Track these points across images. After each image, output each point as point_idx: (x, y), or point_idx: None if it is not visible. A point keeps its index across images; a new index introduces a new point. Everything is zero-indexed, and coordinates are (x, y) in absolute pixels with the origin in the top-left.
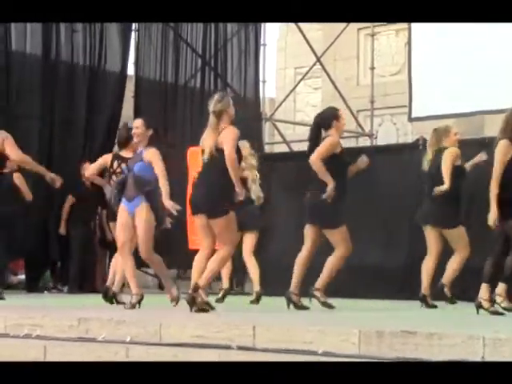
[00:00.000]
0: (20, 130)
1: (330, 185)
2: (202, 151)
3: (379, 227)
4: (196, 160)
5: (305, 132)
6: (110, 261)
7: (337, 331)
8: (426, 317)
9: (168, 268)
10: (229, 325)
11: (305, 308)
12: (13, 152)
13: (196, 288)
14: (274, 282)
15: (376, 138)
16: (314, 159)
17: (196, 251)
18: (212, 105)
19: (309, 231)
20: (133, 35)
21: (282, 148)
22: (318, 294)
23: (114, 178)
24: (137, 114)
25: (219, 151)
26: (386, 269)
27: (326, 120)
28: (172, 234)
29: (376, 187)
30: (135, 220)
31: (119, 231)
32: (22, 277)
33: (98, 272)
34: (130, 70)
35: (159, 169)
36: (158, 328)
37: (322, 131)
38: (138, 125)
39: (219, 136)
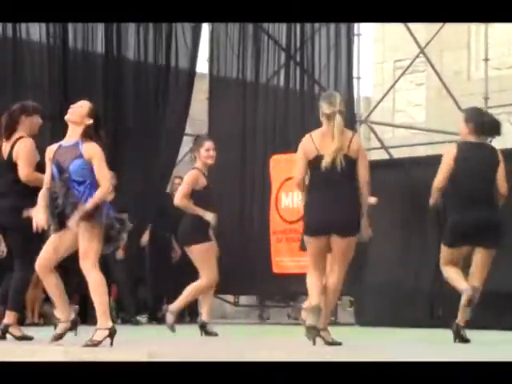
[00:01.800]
0: None
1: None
2: (315, 158)
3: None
4: (281, 170)
5: (406, 136)
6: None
7: None
8: None
9: (249, 294)
10: None
11: None
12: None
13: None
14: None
15: (491, 141)
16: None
17: (280, 275)
18: (338, 103)
19: None
20: (205, 27)
21: (380, 155)
22: None
23: None
24: (211, 117)
25: (348, 159)
26: None
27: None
28: (251, 257)
29: None
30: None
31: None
32: None
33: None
34: (203, 67)
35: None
36: None
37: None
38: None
39: (347, 142)
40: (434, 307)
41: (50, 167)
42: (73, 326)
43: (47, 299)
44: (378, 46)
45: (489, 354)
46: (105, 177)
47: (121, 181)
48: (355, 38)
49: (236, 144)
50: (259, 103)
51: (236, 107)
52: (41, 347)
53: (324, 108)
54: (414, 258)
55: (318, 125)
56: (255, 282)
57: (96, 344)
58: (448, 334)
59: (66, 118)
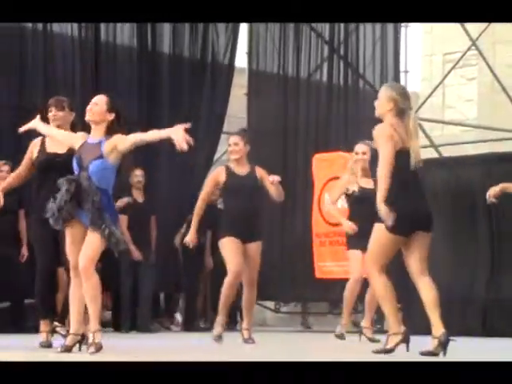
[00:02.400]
0: None
1: None
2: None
3: None
4: (324, 169)
5: (456, 133)
6: None
7: None
8: None
9: (290, 300)
10: None
11: None
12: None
13: None
14: None
15: None
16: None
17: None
18: (410, 100)
19: None
20: None
21: (429, 153)
22: None
23: None
24: (250, 114)
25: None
26: None
27: None
28: (292, 261)
29: None
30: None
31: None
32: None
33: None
34: (241, 62)
35: None
36: None
37: None
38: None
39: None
40: (487, 315)
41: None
42: (82, 340)
43: None
44: (426, 37)
45: None
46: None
47: (154, 180)
48: (402, 29)
49: (276, 142)
50: (300, 99)
51: (276, 103)
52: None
53: (400, 102)
54: (466, 263)
55: (362, 121)
56: (296, 287)
57: (99, 348)
58: (502, 342)
59: (87, 119)
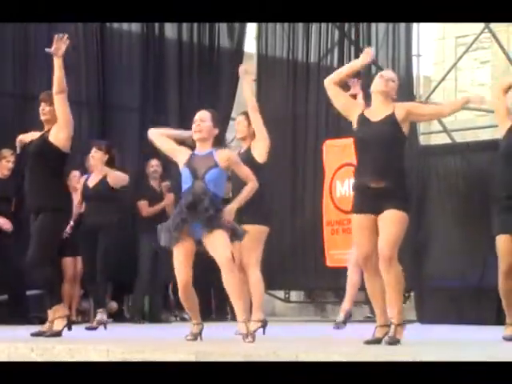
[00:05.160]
0: (117, 122)
1: None
2: None
3: None
4: (335, 156)
5: (470, 118)
6: None
7: None
8: None
9: (300, 289)
10: None
11: None
12: None
13: None
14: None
15: None
16: None
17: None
18: None
19: None
20: None
21: (442, 138)
22: None
23: None
24: (259, 99)
25: None
26: None
27: None
28: (302, 250)
29: None
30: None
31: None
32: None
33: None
34: (250, 47)
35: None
36: None
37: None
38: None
39: None
40: (501, 304)
41: None
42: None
43: (85, 296)
44: None
45: None
46: (250, 175)
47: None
48: None
49: (286, 128)
50: (310, 84)
51: (286, 89)
52: (82, 347)
53: None
54: (479, 250)
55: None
56: (307, 276)
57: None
58: None
59: (196, 137)
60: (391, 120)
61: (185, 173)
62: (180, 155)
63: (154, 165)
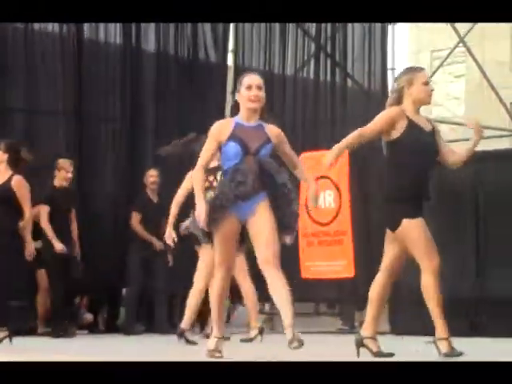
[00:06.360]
0: (94, 133)
1: None
2: None
3: None
4: (311, 168)
5: (444, 131)
6: None
7: None
8: None
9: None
10: None
11: None
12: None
13: None
14: None
15: None
16: None
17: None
18: None
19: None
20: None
21: None
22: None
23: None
24: (234, 111)
25: None
26: None
27: None
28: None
29: None
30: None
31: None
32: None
33: None
34: (228, 59)
35: None
36: None
37: None
38: None
39: None
40: (475, 315)
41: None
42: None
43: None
44: (413, 34)
45: None
46: (296, 156)
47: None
48: (389, 26)
49: None
50: (287, 96)
51: None
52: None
53: None
54: (450, 263)
55: (350, 118)
56: None
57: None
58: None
59: (254, 106)
60: None
61: (230, 148)
62: (219, 135)
63: (152, 175)
